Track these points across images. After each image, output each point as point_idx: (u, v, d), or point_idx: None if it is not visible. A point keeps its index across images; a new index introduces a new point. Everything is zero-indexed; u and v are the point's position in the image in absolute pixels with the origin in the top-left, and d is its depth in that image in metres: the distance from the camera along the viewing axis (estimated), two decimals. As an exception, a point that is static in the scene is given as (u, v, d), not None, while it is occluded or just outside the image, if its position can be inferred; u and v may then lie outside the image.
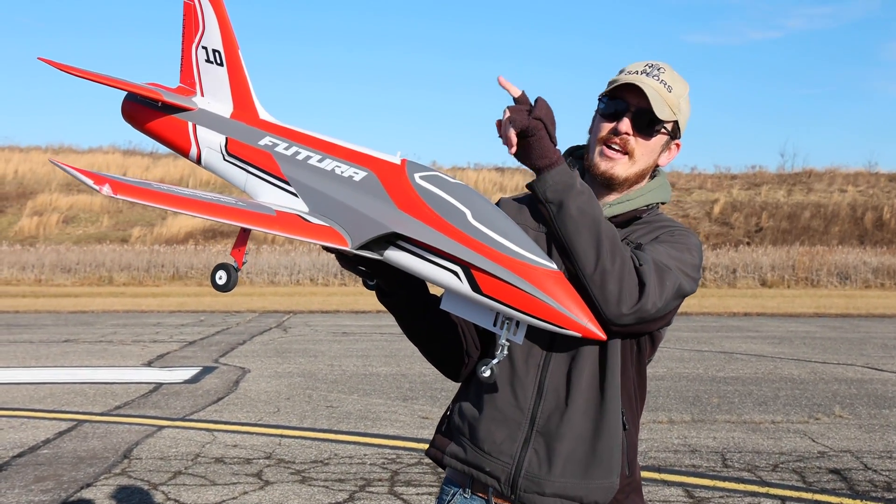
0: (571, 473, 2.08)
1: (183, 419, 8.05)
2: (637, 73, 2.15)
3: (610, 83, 2.19)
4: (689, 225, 40.75)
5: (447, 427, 2.23)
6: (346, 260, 2.09)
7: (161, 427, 7.68)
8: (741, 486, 5.89)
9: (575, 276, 1.96)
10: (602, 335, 1.86)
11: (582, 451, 2.08)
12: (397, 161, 2.01)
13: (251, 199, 2.15)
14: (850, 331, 17.20)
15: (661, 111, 2.12)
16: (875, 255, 33.21)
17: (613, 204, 2.18)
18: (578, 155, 2.27)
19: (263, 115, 2.29)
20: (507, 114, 1.94)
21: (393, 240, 1.94)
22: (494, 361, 1.92)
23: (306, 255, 33.31)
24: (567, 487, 2.08)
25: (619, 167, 2.14)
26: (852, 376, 11.02)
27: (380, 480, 5.95)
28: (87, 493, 5.64)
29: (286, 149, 2.15)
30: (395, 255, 1.94)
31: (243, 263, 2.02)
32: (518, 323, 1.87)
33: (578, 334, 1.83)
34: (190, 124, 2.33)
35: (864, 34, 61.90)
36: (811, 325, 18.25)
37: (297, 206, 2.06)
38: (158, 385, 9.94)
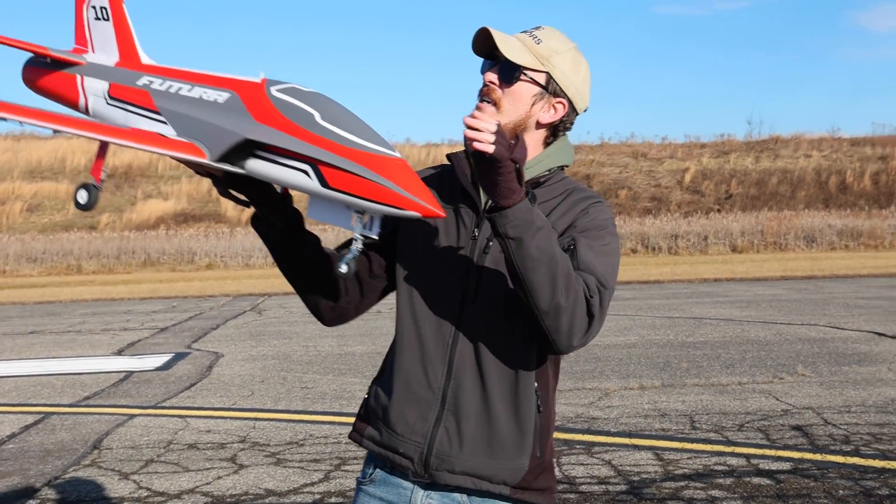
0: (481, 453, 2.10)
1: (155, 407, 8.05)
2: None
3: None
4: (661, 195, 41.02)
5: (365, 411, 2.27)
6: (220, 184, 2.15)
7: (132, 416, 7.68)
8: (708, 447, 6.01)
9: (527, 306, 1.98)
10: (441, 213, 1.89)
11: (491, 431, 2.10)
12: (258, 80, 2.11)
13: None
14: (814, 292, 17.46)
15: (518, 56, 2.11)
16: (839, 218, 33.70)
17: None
18: None
19: (146, 60, 2.41)
20: (491, 131, 1.87)
21: (251, 150, 2.04)
22: (349, 256, 1.98)
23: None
24: (476, 466, 2.10)
25: (487, 116, 2.05)
26: (815, 336, 11.21)
27: (355, 459, 6.00)
28: (55, 486, 5.64)
29: (160, 84, 2.28)
30: (254, 165, 2.04)
31: (102, 181, 2.16)
32: (372, 219, 1.96)
33: (418, 214, 1.89)
34: (78, 77, 2.45)
35: (828, 1, 62.27)
36: (778, 288, 18.50)
37: (166, 131, 2.18)
38: (129, 373, 9.92)
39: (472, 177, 2.18)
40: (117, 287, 24.26)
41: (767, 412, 7.03)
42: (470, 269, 2.14)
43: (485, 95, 2.16)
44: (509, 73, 2.14)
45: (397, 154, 1.93)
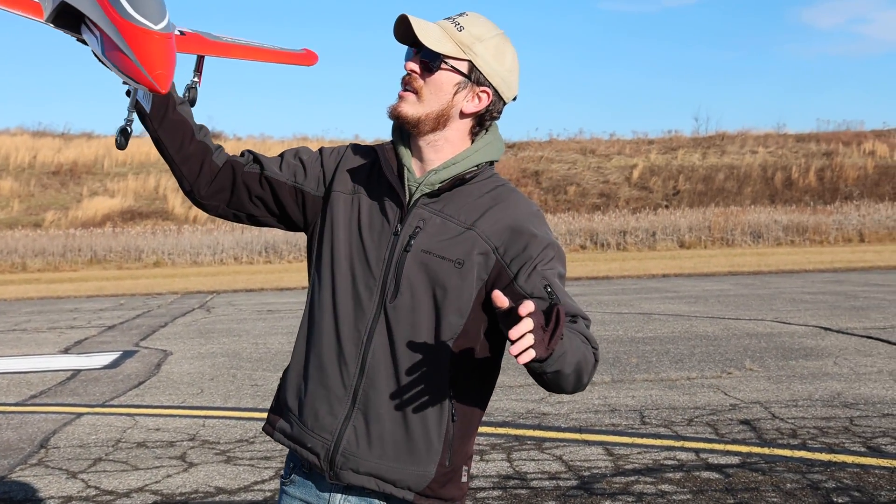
0: (388, 455, 2.06)
1: (103, 405, 7.93)
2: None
3: None
4: (610, 191, 41.40)
5: (277, 403, 2.22)
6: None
7: (80, 414, 7.56)
8: (658, 442, 6.08)
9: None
10: (161, 88, 1.94)
11: (399, 434, 2.06)
12: None
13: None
14: (761, 287, 17.77)
15: (438, 44, 2.08)
16: (785, 214, 34.31)
17: (439, 169, 2.12)
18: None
19: None
20: (527, 331, 1.75)
21: (76, 15, 2.19)
22: (122, 125, 2.14)
23: (229, 233, 32.89)
24: (382, 469, 2.06)
25: (407, 105, 2.10)
26: (762, 330, 11.41)
27: (305, 456, 5.96)
28: (1, 486, 5.54)
29: None
30: (84, 33, 2.18)
31: None
32: (142, 93, 2.14)
33: (145, 88, 1.98)
34: None
35: (773, -1, 63.43)
36: (725, 284, 18.79)
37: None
38: (76, 372, 9.75)
39: (398, 171, 2.14)
40: (63, 285, 23.84)
41: (716, 407, 7.13)
42: (390, 266, 2.09)
43: (406, 84, 2.12)
44: (430, 61, 2.10)
45: (157, 27, 2.00)
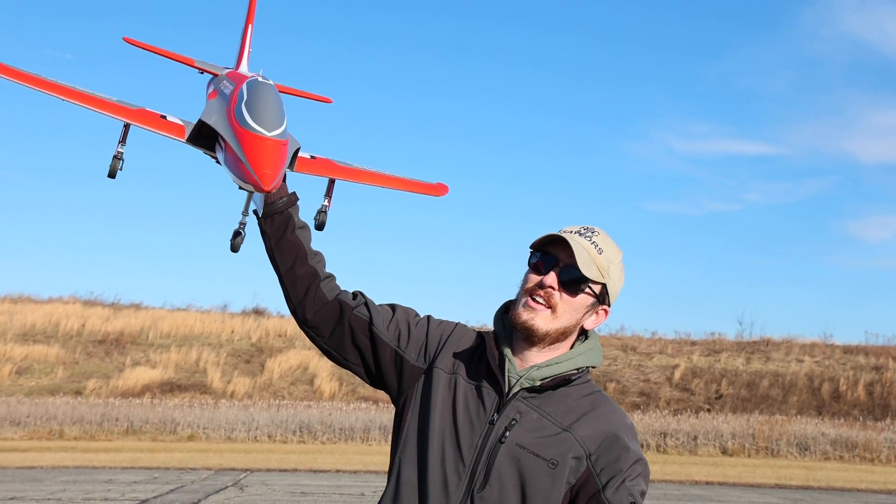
0: None
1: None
2: (571, 231, 2.18)
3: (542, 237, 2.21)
4: (650, 390, 40.88)
5: None
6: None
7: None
8: None
9: None
10: (264, 186, 2.13)
11: None
12: (250, 75, 2.57)
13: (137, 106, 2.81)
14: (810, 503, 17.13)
15: (587, 269, 2.12)
16: (833, 427, 33.39)
17: (542, 366, 2.14)
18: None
19: (243, 68, 2.93)
20: None
21: (211, 133, 2.47)
22: (236, 227, 2.50)
23: (265, 411, 32.78)
24: None
25: (540, 319, 2.12)
26: (816, 550, 10.93)
27: None
28: None
29: (222, 83, 2.89)
30: (218, 152, 2.42)
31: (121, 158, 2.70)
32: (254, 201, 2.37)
33: (251, 186, 2.18)
34: (211, 84, 3.08)
35: (820, 210, 64.47)
36: (772, 497, 18.15)
37: (176, 118, 2.78)
38: (110, 546, 9.60)
39: (499, 360, 2.15)
40: (99, 455, 23.73)
41: None
42: (482, 454, 2.08)
43: (538, 296, 2.15)
44: (575, 284, 2.15)
45: (270, 134, 2.25)
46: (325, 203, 2.64)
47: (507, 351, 2.18)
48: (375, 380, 2.28)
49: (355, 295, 2.32)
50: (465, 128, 65.13)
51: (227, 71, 3.09)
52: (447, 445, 2.12)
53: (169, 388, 39.34)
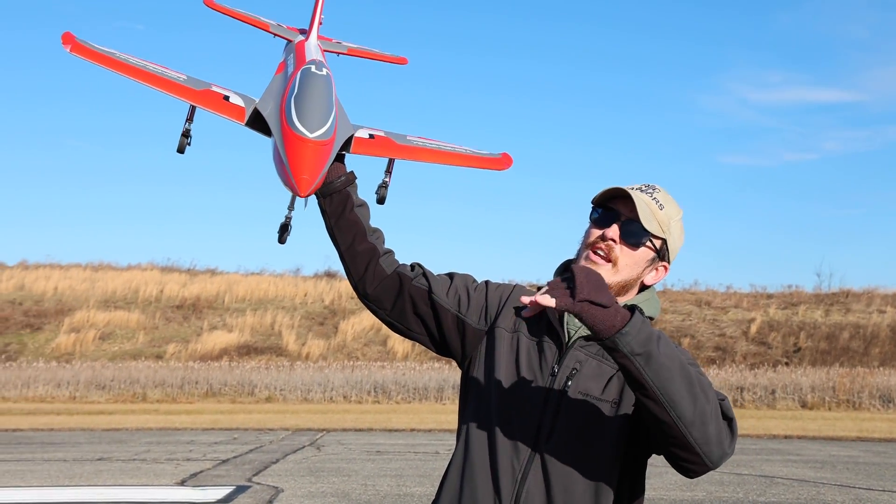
0: None
1: (217, 540, 7.97)
2: (632, 187, 2.21)
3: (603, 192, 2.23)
4: (726, 344, 40.34)
5: None
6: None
7: (195, 548, 7.61)
8: None
9: (668, 427, 1.91)
10: (301, 192, 2.18)
11: None
12: (308, 60, 2.56)
13: (198, 80, 2.67)
14: (894, 456, 16.75)
15: (648, 223, 2.14)
16: (918, 378, 32.54)
17: None
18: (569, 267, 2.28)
19: (311, 39, 2.95)
20: (547, 290, 1.92)
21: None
22: (283, 221, 2.50)
23: (339, 372, 33.29)
24: None
25: (601, 272, 2.13)
26: (899, 503, 10.70)
27: None
28: None
29: (288, 58, 2.83)
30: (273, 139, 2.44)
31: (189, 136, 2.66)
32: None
33: (290, 192, 2.24)
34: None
35: (896, 157, 62.41)
36: (854, 450, 17.79)
37: (239, 98, 2.63)
38: (192, 505, 9.88)
39: (558, 315, 2.20)
40: (180, 416, 24.42)
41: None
42: (548, 404, 2.13)
43: (599, 250, 2.18)
44: (637, 237, 2.17)
45: (312, 136, 2.22)
46: (386, 179, 2.62)
47: None
48: (440, 347, 2.33)
49: (413, 267, 2.37)
50: (533, 87, 64.56)
51: (299, 40, 2.98)
52: (513, 401, 2.16)
53: (245, 351, 40.16)
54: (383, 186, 2.64)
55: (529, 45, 63.66)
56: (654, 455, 2.20)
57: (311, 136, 2.20)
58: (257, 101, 2.57)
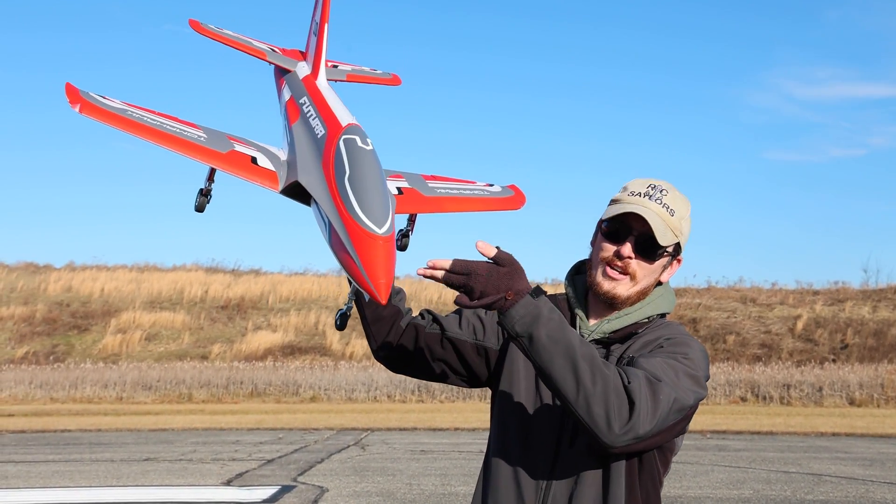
0: None
1: (263, 539, 8.05)
2: (640, 194, 2.19)
3: (612, 202, 2.23)
4: (772, 342, 39.83)
5: None
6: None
7: (242, 547, 7.69)
8: None
9: (563, 408, 1.99)
10: (379, 299, 1.96)
11: None
12: (344, 123, 2.30)
13: (218, 133, 2.50)
14: (946, 453, 16.43)
15: (663, 237, 2.16)
16: (969, 373, 31.88)
17: (611, 319, 2.21)
18: (583, 270, 2.32)
19: (321, 78, 2.71)
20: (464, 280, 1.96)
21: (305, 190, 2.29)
22: (339, 312, 2.31)
23: (383, 371, 33.41)
24: None
25: (621, 287, 2.19)
26: (952, 502, 10.50)
27: None
28: None
29: (306, 106, 2.57)
30: (313, 207, 2.25)
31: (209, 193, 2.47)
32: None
33: (367, 295, 2.00)
34: (284, 82, 2.83)
35: (949, 153, 61.22)
36: (905, 447, 17.49)
37: (265, 159, 2.45)
38: (239, 504, 9.98)
39: (570, 319, 2.24)
40: (226, 417, 24.67)
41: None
42: (564, 411, 2.12)
43: (616, 266, 2.20)
44: (652, 252, 2.20)
45: (380, 231, 2.01)
46: (410, 228, 2.55)
47: (579, 312, 2.26)
48: (472, 380, 2.37)
49: (422, 315, 2.40)
50: (581, 89, 64.36)
51: (304, 74, 2.73)
52: (535, 410, 2.20)
53: (290, 350, 40.45)
54: (405, 236, 2.58)
55: (580, 48, 63.70)
56: (677, 454, 2.24)
57: (380, 231, 2.00)
58: (283, 158, 2.43)
